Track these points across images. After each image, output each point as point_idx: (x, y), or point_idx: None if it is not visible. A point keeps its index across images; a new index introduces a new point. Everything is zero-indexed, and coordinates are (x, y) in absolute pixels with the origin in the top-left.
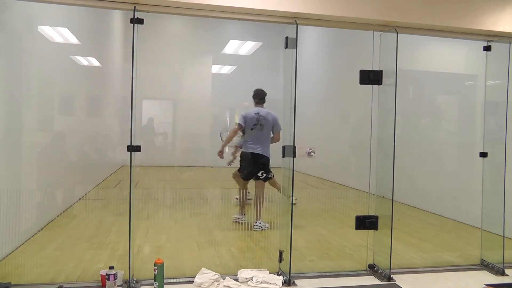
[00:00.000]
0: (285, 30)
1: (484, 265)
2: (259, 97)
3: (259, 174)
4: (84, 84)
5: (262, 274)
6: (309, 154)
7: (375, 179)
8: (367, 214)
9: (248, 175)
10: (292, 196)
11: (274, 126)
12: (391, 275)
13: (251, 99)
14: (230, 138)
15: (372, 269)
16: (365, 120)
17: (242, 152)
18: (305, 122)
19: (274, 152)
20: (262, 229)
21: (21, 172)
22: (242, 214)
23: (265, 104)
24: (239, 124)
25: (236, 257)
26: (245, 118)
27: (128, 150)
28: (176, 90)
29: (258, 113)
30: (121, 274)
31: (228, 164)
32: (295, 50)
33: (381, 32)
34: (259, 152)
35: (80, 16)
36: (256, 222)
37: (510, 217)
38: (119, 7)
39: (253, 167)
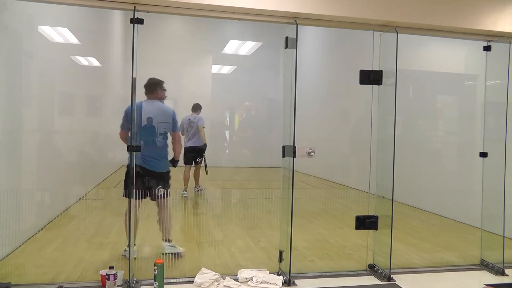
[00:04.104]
0: (285, 30)
1: (484, 265)
2: (196, 107)
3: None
4: (84, 84)
5: (262, 274)
6: (309, 154)
7: (375, 179)
8: (367, 214)
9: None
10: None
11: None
12: (391, 275)
13: (252, 99)
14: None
15: (372, 269)
16: (365, 120)
17: (186, 147)
18: (305, 122)
19: (274, 152)
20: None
21: (21, 172)
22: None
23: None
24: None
25: (235, 257)
26: (182, 124)
27: (128, 150)
28: (176, 90)
29: (189, 119)
30: (121, 274)
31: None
32: (295, 50)
33: (381, 32)
34: (198, 144)
35: (80, 16)
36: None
37: (510, 217)
38: (119, 7)
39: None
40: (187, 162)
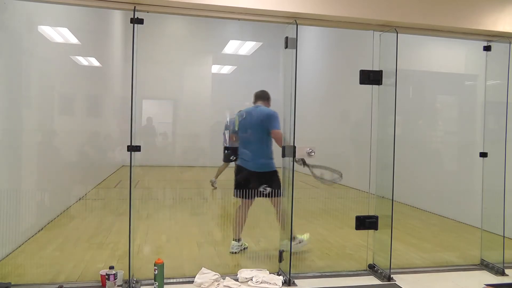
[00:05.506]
0: (285, 30)
1: (484, 265)
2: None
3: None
4: (84, 84)
5: (262, 274)
6: (309, 154)
7: (375, 179)
8: (367, 214)
9: None
10: None
11: None
12: (391, 275)
13: (252, 99)
14: None
15: (372, 269)
16: (365, 120)
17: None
18: (305, 122)
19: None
20: None
21: (21, 172)
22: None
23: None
24: None
25: (235, 257)
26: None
27: (128, 150)
28: (176, 90)
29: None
30: (121, 274)
31: None
32: (295, 50)
33: (381, 32)
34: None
35: (80, 16)
36: None
37: (510, 217)
38: (119, 7)
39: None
40: (225, 159)
